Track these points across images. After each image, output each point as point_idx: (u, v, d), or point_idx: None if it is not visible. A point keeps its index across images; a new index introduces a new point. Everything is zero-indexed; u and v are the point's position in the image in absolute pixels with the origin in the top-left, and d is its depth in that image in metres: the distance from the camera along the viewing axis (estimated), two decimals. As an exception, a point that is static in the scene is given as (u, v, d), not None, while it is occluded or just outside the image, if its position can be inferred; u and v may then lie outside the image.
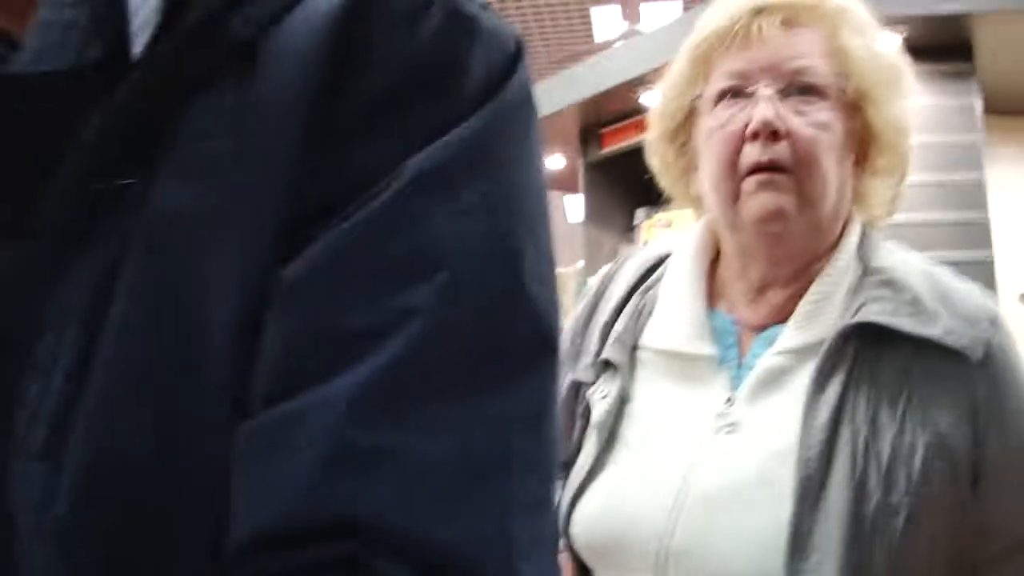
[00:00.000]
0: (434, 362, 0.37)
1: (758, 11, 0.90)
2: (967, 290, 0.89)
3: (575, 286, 3.30)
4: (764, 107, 0.87)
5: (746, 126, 0.88)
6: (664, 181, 1.03)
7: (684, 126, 0.98)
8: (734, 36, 0.91)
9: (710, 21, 0.94)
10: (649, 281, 1.01)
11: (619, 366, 0.95)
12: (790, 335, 0.89)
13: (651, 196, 1.12)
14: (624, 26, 5.31)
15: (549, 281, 0.42)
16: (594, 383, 0.99)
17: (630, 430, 0.93)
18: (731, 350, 0.94)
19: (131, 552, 0.36)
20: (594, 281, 1.09)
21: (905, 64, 0.95)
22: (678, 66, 0.97)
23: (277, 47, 0.40)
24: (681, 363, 0.94)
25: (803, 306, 0.90)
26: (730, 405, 0.89)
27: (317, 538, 0.34)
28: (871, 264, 0.90)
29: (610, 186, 3.16)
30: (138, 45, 0.39)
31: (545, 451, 0.40)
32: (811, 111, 0.89)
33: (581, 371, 1.01)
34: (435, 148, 0.39)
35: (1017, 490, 0.85)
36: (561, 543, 0.97)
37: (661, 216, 2.97)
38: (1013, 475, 0.84)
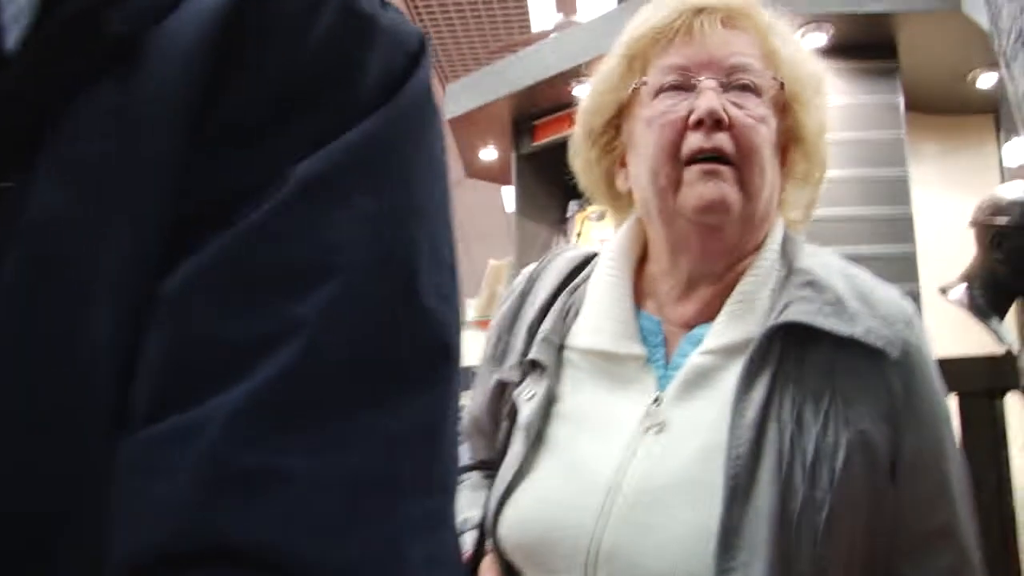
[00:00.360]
0: (321, 377, 0.35)
1: (699, 10, 0.93)
2: (885, 291, 0.92)
3: (509, 277, 3.30)
4: (709, 96, 0.89)
5: (688, 115, 0.90)
6: (586, 179, 1.04)
7: (613, 122, 0.99)
8: (676, 32, 0.93)
9: (647, 19, 0.95)
10: (576, 281, 1.01)
11: (546, 366, 0.95)
12: (716, 334, 0.91)
13: (584, 188, 1.12)
14: (559, 17, 5.31)
15: (448, 290, 0.40)
16: (520, 383, 0.98)
17: (558, 430, 0.93)
18: (658, 350, 0.95)
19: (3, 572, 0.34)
20: (518, 280, 1.08)
21: (825, 72, 0.98)
22: (611, 63, 0.98)
23: (161, 44, 0.38)
24: (608, 363, 0.94)
25: (729, 305, 0.92)
26: (658, 405, 0.90)
27: (197, 564, 0.32)
28: (794, 265, 0.93)
29: (543, 178, 3.15)
30: (10, 40, 0.36)
31: (442, 466, 0.39)
32: (749, 105, 0.91)
33: (507, 371, 1.00)
34: (326, 152, 0.38)
35: (929, 483, 0.88)
36: (488, 544, 0.96)
37: (594, 208, 2.98)
38: (925, 469, 0.88)
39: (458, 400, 0.42)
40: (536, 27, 5.63)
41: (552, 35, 3.23)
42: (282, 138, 0.38)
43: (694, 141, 0.90)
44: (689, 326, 0.95)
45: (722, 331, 0.91)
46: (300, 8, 0.39)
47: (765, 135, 0.91)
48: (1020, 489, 2.66)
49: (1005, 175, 3.02)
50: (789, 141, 0.96)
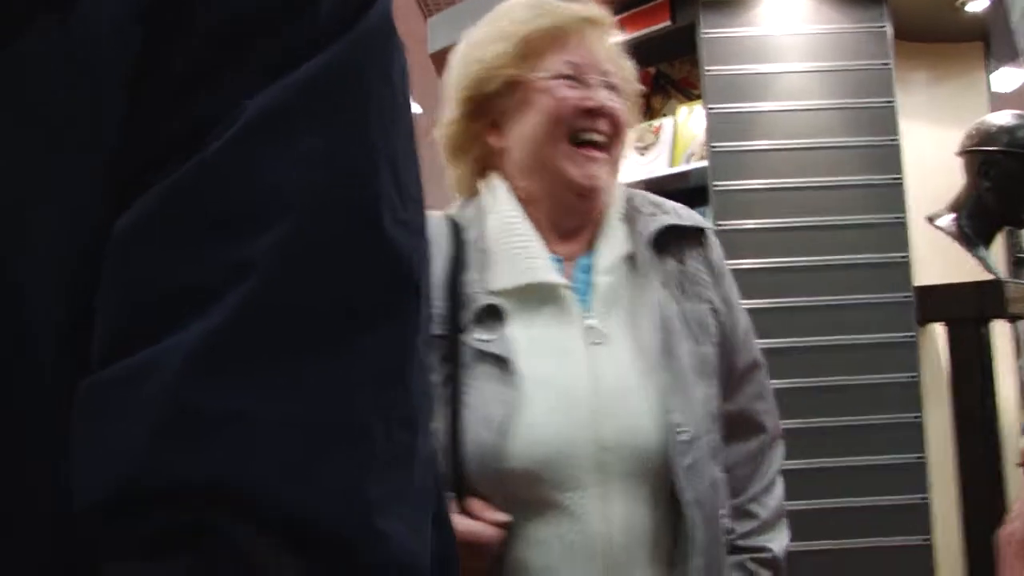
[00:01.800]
0: (276, 318, 0.34)
1: (587, 21, 1.22)
2: (681, 205, 1.28)
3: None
4: (602, 92, 1.19)
5: (580, 101, 1.17)
6: (456, 138, 1.26)
7: (497, 92, 1.21)
8: (570, 35, 1.21)
9: (540, 15, 1.21)
10: (474, 238, 1.21)
11: (503, 309, 1.13)
12: (605, 258, 1.20)
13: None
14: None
15: (414, 222, 0.40)
16: (443, 336, 1.13)
17: (524, 362, 1.11)
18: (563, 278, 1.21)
19: None
20: None
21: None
22: (503, 46, 1.20)
23: None
24: (535, 296, 1.16)
25: (604, 235, 1.22)
26: (591, 324, 1.15)
27: (158, 505, 0.32)
28: (630, 196, 1.26)
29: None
30: None
31: (409, 399, 0.38)
32: (617, 100, 1.21)
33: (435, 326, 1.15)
34: (279, 86, 0.36)
35: (741, 328, 1.25)
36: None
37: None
38: (738, 316, 1.25)
39: (427, 331, 0.41)
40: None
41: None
42: (233, 72, 0.36)
43: (585, 122, 1.17)
44: (573, 257, 1.22)
45: (607, 255, 1.20)
46: None
47: (628, 121, 1.22)
48: (1006, 412, 2.70)
49: (994, 103, 3.01)
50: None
